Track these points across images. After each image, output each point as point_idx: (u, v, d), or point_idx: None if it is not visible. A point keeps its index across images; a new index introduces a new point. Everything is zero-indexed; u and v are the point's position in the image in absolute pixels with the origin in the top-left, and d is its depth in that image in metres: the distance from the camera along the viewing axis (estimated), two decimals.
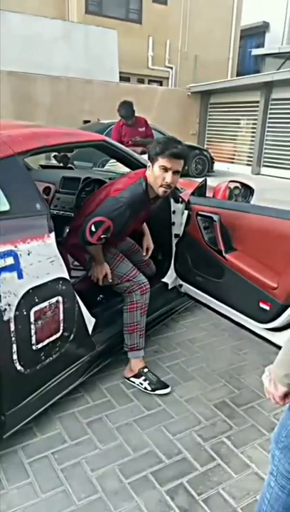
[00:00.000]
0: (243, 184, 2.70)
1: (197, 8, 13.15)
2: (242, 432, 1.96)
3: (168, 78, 13.71)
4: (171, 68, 13.59)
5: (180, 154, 2.01)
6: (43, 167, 3.59)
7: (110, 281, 2.20)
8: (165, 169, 2.00)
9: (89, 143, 2.37)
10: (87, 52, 10.70)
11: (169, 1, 12.89)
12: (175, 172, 2.02)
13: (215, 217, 2.32)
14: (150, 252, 2.59)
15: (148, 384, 2.17)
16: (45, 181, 3.04)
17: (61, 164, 3.16)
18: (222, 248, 2.29)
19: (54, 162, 4.30)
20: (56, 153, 3.02)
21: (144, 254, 2.57)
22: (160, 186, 2.04)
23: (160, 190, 2.05)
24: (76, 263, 2.65)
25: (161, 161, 2.00)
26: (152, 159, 2.04)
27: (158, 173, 2.02)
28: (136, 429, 1.94)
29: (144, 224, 2.57)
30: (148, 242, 2.60)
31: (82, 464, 1.75)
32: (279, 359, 0.98)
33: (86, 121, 9.23)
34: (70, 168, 3.33)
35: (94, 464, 1.75)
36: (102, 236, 2.01)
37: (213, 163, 10.06)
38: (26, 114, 8.57)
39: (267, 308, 2.11)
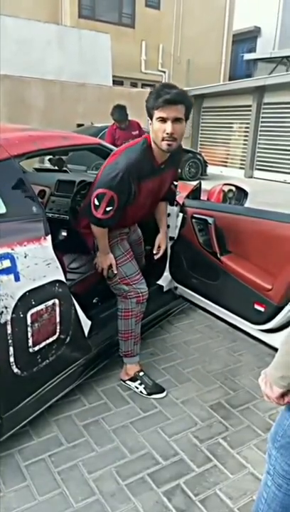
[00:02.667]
0: (237, 187, 2.72)
1: (189, 12, 13.27)
2: (238, 432, 1.97)
3: (161, 82, 13.78)
4: (164, 72, 13.68)
5: (175, 99, 1.77)
6: (37, 170, 3.59)
7: (115, 272, 2.10)
8: (163, 120, 1.79)
9: (84, 146, 2.38)
10: (80, 56, 10.74)
11: (162, 6, 12.99)
12: (175, 120, 1.79)
13: (210, 220, 2.33)
14: (161, 252, 2.39)
15: (144, 388, 2.18)
16: (40, 184, 3.04)
17: (56, 167, 3.15)
18: (217, 250, 2.31)
19: (47, 165, 4.30)
20: (51, 157, 3.02)
21: (154, 251, 2.38)
22: (163, 140, 1.82)
23: (164, 145, 1.83)
24: (72, 265, 2.66)
25: (157, 113, 1.80)
26: (150, 115, 1.85)
27: (157, 127, 1.82)
28: (133, 431, 1.95)
29: (163, 221, 2.40)
30: (162, 240, 2.40)
31: (78, 467, 1.75)
32: (275, 361, 1.00)
33: (79, 125, 9.24)
34: (65, 171, 3.34)
35: (91, 466, 1.75)
36: (108, 209, 1.89)
37: (206, 166, 10.12)
38: (19, 117, 8.56)
39: (262, 309, 2.12)
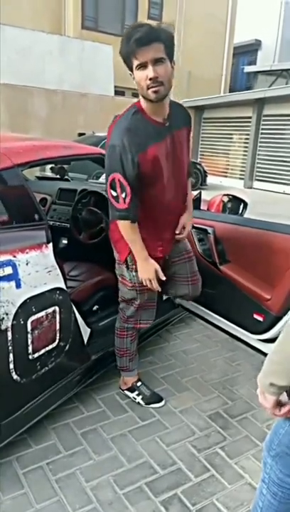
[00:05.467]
0: (237, 198, 2.75)
1: (191, 25, 13.46)
2: (236, 442, 1.97)
3: None
4: None
5: (148, 37, 1.51)
6: (39, 178, 3.62)
7: (163, 278, 1.84)
8: (143, 65, 1.55)
9: (86, 156, 2.41)
10: (82, 67, 10.86)
11: (164, 18, 13.17)
12: (155, 62, 1.54)
13: (210, 230, 2.36)
14: (185, 233, 1.99)
15: (142, 399, 2.18)
16: (42, 192, 3.07)
17: (58, 176, 3.19)
18: (217, 260, 2.33)
19: (49, 174, 4.34)
20: (53, 165, 3.06)
21: (177, 232, 1.98)
22: (148, 89, 1.58)
23: (150, 94, 1.59)
24: (72, 273, 2.67)
25: (134, 61, 1.55)
26: (130, 68, 1.60)
27: (139, 77, 1.58)
28: (131, 440, 1.95)
29: (188, 198, 2.04)
30: (185, 219, 1.99)
31: (76, 475, 1.75)
32: (264, 370, 1.01)
33: (81, 134, 9.32)
34: (66, 179, 3.37)
35: (88, 474, 1.75)
36: (123, 195, 1.67)
37: (206, 176, 10.20)
38: (21, 126, 8.64)
39: (261, 319, 2.14)
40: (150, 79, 1.55)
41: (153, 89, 1.58)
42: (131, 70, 1.61)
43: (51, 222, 2.89)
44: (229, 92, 14.48)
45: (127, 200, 1.68)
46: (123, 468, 1.79)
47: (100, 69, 11.16)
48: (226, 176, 12.17)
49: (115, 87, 11.70)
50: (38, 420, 1.85)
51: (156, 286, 1.84)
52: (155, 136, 1.69)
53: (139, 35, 1.51)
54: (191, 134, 1.96)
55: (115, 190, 1.68)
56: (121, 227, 1.77)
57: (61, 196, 2.99)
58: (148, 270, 1.82)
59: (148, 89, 1.58)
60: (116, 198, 1.69)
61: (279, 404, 1.00)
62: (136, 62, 1.56)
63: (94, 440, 1.93)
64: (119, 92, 12.24)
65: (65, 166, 3.57)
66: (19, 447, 1.85)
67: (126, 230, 1.77)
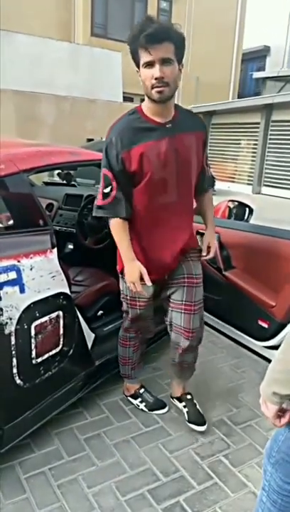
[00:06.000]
0: (242, 203, 2.75)
1: (199, 31, 13.50)
2: (240, 450, 1.95)
3: None
4: None
5: (159, 35, 1.46)
6: (46, 184, 3.65)
7: (149, 284, 1.73)
8: (150, 64, 1.51)
9: (92, 162, 2.42)
10: (91, 73, 10.95)
11: None
12: (163, 62, 1.50)
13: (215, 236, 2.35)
14: (211, 253, 1.93)
15: (145, 406, 2.17)
16: (48, 198, 3.09)
17: (64, 181, 3.21)
18: (222, 266, 2.32)
19: (57, 179, 4.37)
20: (60, 171, 3.08)
21: (204, 254, 1.93)
22: (152, 88, 1.54)
23: (154, 93, 1.55)
24: (77, 278, 2.68)
25: (142, 58, 1.52)
26: (137, 64, 1.57)
27: (144, 74, 1.54)
28: (134, 446, 1.94)
29: (209, 215, 1.98)
30: (210, 238, 1.94)
31: (78, 481, 1.74)
32: (267, 378, 1.00)
33: (89, 140, 9.38)
34: (73, 185, 3.39)
35: (90, 480, 1.75)
36: (106, 190, 1.67)
37: (214, 182, 10.17)
38: (30, 132, 8.72)
39: (266, 326, 2.13)
40: (155, 78, 1.52)
41: (158, 89, 1.54)
42: (137, 66, 1.57)
43: (57, 228, 2.91)
44: (238, 97, 14.50)
45: (113, 193, 1.67)
46: (125, 474, 1.79)
47: (109, 75, 11.24)
48: (234, 182, 12.15)
49: (123, 93, 11.78)
50: (41, 425, 1.85)
51: (139, 289, 1.75)
52: (148, 135, 1.62)
53: (150, 31, 1.46)
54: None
55: (107, 188, 1.69)
56: (110, 225, 1.75)
57: (67, 202, 3.00)
58: (132, 272, 1.74)
59: (152, 88, 1.55)
60: (103, 194, 1.70)
61: (281, 411, 0.99)
62: (143, 60, 1.52)
63: (97, 446, 1.93)
64: (127, 98, 12.32)
65: (72, 172, 3.60)
66: (22, 452, 1.86)
67: (112, 227, 1.74)
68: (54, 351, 1.82)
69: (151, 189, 1.68)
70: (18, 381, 1.66)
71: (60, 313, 1.81)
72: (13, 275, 1.59)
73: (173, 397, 2.19)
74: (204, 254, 1.95)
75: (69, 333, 1.89)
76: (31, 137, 7.61)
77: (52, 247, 1.80)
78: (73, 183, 3.35)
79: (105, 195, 1.69)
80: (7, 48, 9.30)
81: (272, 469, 1.10)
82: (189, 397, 2.13)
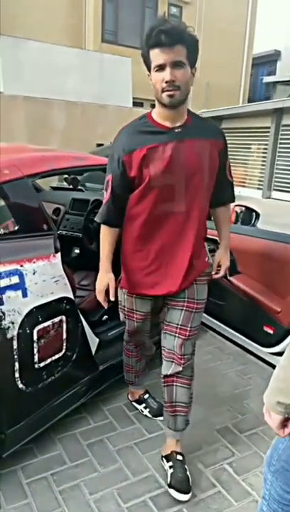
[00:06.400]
0: (249, 208, 2.73)
1: (209, 37, 13.52)
2: (244, 458, 1.92)
3: None
4: None
5: (171, 37, 1.40)
6: (54, 188, 3.67)
7: (112, 299, 1.74)
8: (161, 67, 1.45)
9: (98, 166, 2.43)
10: (101, 79, 11.04)
11: None
12: (174, 65, 1.44)
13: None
14: (222, 272, 1.87)
15: (149, 411, 2.16)
16: (56, 202, 3.11)
17: (71, 186, 3.23)
18: (227, 271, 2.30)
19: (65, 184, 4.38)
20: (66, 176, 3.10)
21: (213, 272, 1.86)
22: (163, 92, 1.47)
23: (165, 97, 1.48)
24: (83, 282, 2.69)
25: (152, 62, 1.47)
26: (148, 68, 1.51)
27: (155, 79, 1.48)
28: (137, 453, 1.92)
29: (224, 231, 1.90)
30: (223, 257, 1.88)
31: (80, 487, 1.73)
32: (271, 386, 0.97)
33: (99, 145, 9.42)
34: (80, 190, 3.41)
35: (92, 487, 1.74)
36: (109, 191, 1.65)
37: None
38: (41, 137, 8.79)
39: (271, 332, 2.10)
40: (166, 82, 1.45)
41: (169, 92, 1.46)
42: (149, 70, 1.51)
43: (64, 232, 2.92)
44: (248, 102, 14.46)
45: (105, 199, 1.66)
46: (128, 481, 1.77)
47: (119, 81, 11.31)
48: (244, 186, 12.09)
49: (133, 98, 11.84)
50: (44, 430, 1.85)
51: (102, 300, 1.74)
52: (152, 138, 1.53)
53: (162, 33, 1.41)
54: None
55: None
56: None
57: (74, 206, 3.02)
58: (100, 281, 1.74)
59: (162, 92, 1.47)
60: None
61: (286, 420, 0.96)
62: (154, 63, 1.46)
63: (99, 452, 1.92)
64: (137, 103, 12.38)
65: (80, 177, 3.61)
66: (25, 457, 1.85)
67: (100, 232, 1.74)
68: (57, 356, 1.82)
69: (152, 195, 1.56)
70: (21, 385, 1.66)
71: (63, 317, 1.81)
72: (15, 279, 1.60)
73: (162, 457, 1.85)
74: (213, 272, 1.84)
75: (72, 337, 1.88)
76: (42, 143, 7.68)
77: (56, 252, 1.80)
78: (80, 187, 3.36)
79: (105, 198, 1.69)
80: (18, 54, 9.42)
81: (272, 478, 1.08)
82: (180, 457, 1.79)
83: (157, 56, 1.45)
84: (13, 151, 2.24)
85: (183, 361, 1.72)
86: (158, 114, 1.57)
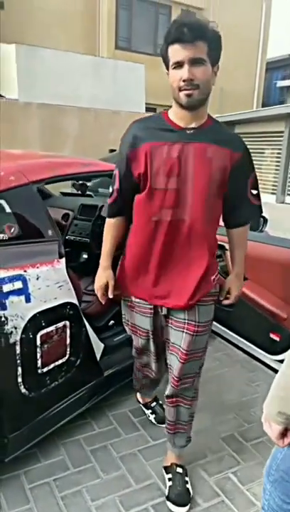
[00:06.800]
0: None
1: (224, 42, 13.52)
2: (249, 468, 1.89)
3: None
4: None
5: (192, 33, 1.30)
6: (64, 194, 3.70)
7: (110, 296, 1.68)
8: (179, 64, 1.35)
9: (105, 172, 2.44)
10: (115, 86, 11.13)
11: None
12: (193, 62, 1.33)
13: (227, 246, 2.32)
14: (231, 300, 1.71)
15: (154, 418, 2.14)
16: (65, 208, 3.13)
17: (79, 192, 3.25)
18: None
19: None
20: (74, 182, 3.12)
21: (221, 297, 1.70)
22: (180, 91, 1.37)
23: (182, 96, 1.37)
24: (90, 287, 2.69)
25: (171, 59, 1.37)
26: (166, 66, 1.41)
27: (173, 77, 1.37)
28: (140, 460, 1.91)
29: (236, 255, 1.73)
30: (232, 283, 1.70)
31: (82, 493, 1.73)
32: (271, 395, 0.96)
33: (112, 150, 9.48)
34: (89, 195, 3.42)
35: (94, 493, 1.73)
36: (111, 189, 1.60)
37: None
38: (55, 144, 8.89)
39: (277, 339, 2.07)
40: (184, 80, 1.34)
41: (186, 91, 1.35)
42: (167, 68, 1.41)
43: (72, 237, 2.94)
44: (262, 106, 14.39)
45: (114, 195, 1.58)
46: (130, 488, 1.76)
47: (132, 87, 11.40)
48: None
49: (146, 104, 11.90)
50: (48, 435, 1.85)
51: (100, 296, 1.68)
52: (160, 136, 1.43)
53: (185, 27, 1.30)
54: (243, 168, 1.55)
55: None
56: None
57: (82, 212, 3.03)
58: (98, 278, 1.68)
59: (180, 91, 1.36)
60: (110, 193, 1.61)
61: (285, 429, 0.94)
62: (172, 60, 1.36)
63: (103, 458, 1.91)
64: (150, 108, 12.43)
65: (91, 183, 3.63)
66: (28, 461, 1.86)
67: (105, 226, 1.68)
68: (60, 361, 1.82)
69: (156, 199, 1.46)
70: (23, 390, 1.67)
71: (67, 323, 1.82)
72: (19, 285, 1.61)
73: (163, 467, 1.83)
74: (221, 298, 1.69)
75: (76, 343, 1.89)
76: (56, 149, 7.76)
77: (60, 257, 1.81)
78: (89, 193, 3.38)
79: (110, 194, 1.61)
80: (33, 62, 9.58)
81: (271, 488, 1.06)
82: (180, 470, 1.75)
83: (175, 52, 1.34)
84: (20, 158, 2.27)
85: (178, 383, 1.65)
86: (174, 114, 1.46)
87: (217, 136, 1.46)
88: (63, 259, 1.82)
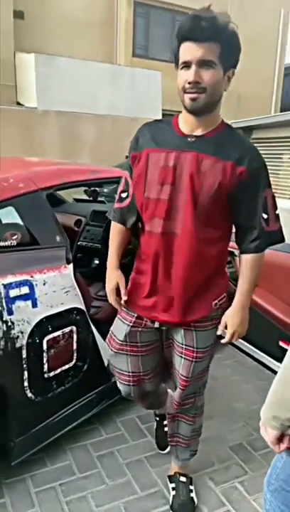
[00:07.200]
0: None
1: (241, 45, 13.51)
2: (257, 477, 1.86)
3: None
4: None
5: (205, 32, 1.20)
6: (77, 200, 3.75)
7: (124, 298, 1.53)
8: (187, 65, 1.25)
9: (115, 179, 2.46)
10: (132, 92, 11.24)
11: None
12: (201, 64, 1.23)
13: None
14: (227, 338, 1.48)
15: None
16: (77, 214, 3.17)
17: (91, 198, 3.29)
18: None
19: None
20: (86, 188, 3.16)
21: (218, 332, 1.50)
22: (185, 93, 1.28)
23: (186, 99, 1.28)
24: (100, 293, 2.70)
25: (180, 58, 1.27)
26: (176, 66, 1.31)
27: (179, 77, 1.28)
28: (146, 467, 1.90)
29: (240, 285, 1.48)
30: (229, 318, 1.48)
31: (87, 499, 1.73)
32: (267, 401, 0.95)
33: (127, 156, 9.56)
34: (102, 202, 3.46)
35: (99, 499, 1.73)
36: (123, 195, 1.52)
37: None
38: (72, 151, 9.02)
39: (287, 347, 2.03)
40: (189, 82, 1.25)
41: (191, 95, 1.26)
42: (177, 67, 1.32)
43: (84, 243, 2.97)
44: (280, 111, 14.28)
45: (126, 201, 1.50)
46: (135, 495, 1.75)
47: (149, 94, 11.49)
48: (276, 197, 11.88)
49: (163, 110, 11.96)
50: (55, 440, 1.87)
51: (113, 300, 1.56)
52: (160, 142, 1.37)
53: (201, 21, 1.19)
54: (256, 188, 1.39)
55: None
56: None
57: (94, 218, 3.06)
58: (108, 280, 1.57)
59: (185, 93, 1.28)
60: (119, 197, 1.54)
61: (281, 435, 0.93)
62: (181, 59, 1.27)
63: (109, 464, 1.91)
64: (167, 115, 12.48)
65: (107, 190, 3.66)
66: (35, 466, 1.87)
67: (110, 230, 1.61)
68: (67, 366, 1.84)
69: (150, 208, 1.39)
70: (30, 394, 1.69)
71: (74, 328, 1.83)
72: (25, 290, 1.64)
73: (168, 477, 1.80)
74: (219, 333, 1.50)
75: (83, 348, 1.90)
76: (74, 156, 7.85)
77: (68, 263, 1.83)
78: (102, 199, 3.41)
79: (120, 199, 1.53)
80: (51, 70, 9.75)
81: (271, 497, 1.04)
82: (183, 479, 1.72)
83: (185, 51, 1.25)
84: (32, 165, 2.32)
85: (178, 407, 1.63)
86: (182, 118, 1.38)
87: (221, 147, 1.33)
88: (71, 265, 1.85)
